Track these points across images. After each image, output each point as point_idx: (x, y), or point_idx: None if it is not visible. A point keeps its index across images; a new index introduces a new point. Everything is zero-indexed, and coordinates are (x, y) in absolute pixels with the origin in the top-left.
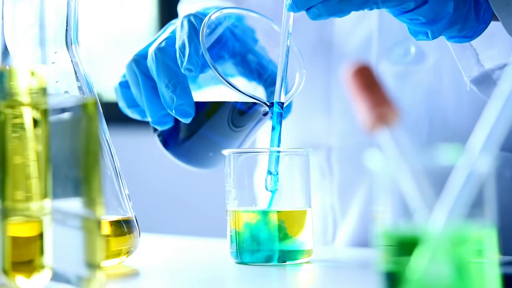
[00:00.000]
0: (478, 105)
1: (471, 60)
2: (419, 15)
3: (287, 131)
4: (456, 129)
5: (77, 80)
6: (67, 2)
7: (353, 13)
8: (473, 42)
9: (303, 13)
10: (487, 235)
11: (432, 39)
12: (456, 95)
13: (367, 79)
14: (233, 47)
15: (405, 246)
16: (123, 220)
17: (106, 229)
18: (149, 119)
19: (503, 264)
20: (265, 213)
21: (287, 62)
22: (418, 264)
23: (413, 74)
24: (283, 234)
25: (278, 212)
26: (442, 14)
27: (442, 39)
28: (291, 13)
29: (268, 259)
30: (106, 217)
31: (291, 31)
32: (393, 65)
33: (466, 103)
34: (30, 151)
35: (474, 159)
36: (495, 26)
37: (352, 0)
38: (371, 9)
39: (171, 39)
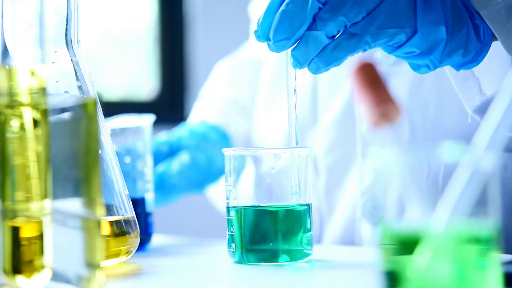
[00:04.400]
0: (458, 105)
1: (473, 89)
2: (412, 47)
3: (273, 138)
4: (436, 129)
5: (77, 79)
6: (67, 2)
7: None
8: (475, 70)
9: None
10: (489, 234)
11: (434, 69)
12: (437, 95)
13: (370, 76)
14: None
15: (406, 245)
16: (123, 220)
17: (106, 229)
18: None
19: (505, 263)
20: (269, 211)
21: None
22: (419, 263)
23: (396, 75)
24: (286, 232)
25: (282, 209)
26: (436, 41)
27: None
28: (295, 70)
29: (272, 258)
30: (106, 217)
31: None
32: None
33: (446, 103)
34: (30, 151)
35: (478, 158)
36: (496, 49)
37: (343, 46)
38: (364, 50)
39: None
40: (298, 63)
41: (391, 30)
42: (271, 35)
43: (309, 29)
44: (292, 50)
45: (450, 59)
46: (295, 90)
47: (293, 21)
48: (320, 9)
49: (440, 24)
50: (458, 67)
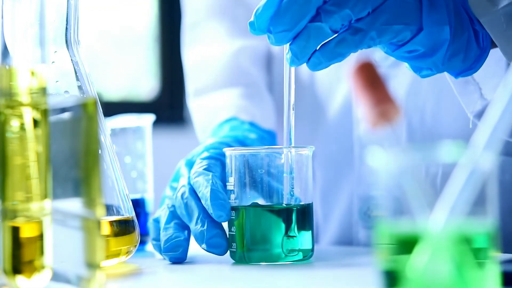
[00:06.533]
0: (456, 107)
1: (474, 95)
2: (416, 44)
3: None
4: (434, 131)
5: (77, 79)
6: (67, 1)
7: None
8: (475, 75)
9: None
10: (487, 233)
11: (437, 73)
12: (435, 97)
13: (369, 76)
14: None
15: (405, 244)
16: (123, 220)
17: (106, 229)
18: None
19: (504, 262)
20: (269, 211)
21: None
22: (418, 262)
23: (393, 77)
24: (287, 232)
25: (282, 209)
26: (439, 41)
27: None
28: (293, 68)
29: (272, 258)
30: (106, 217)
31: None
32: None
33: (444, 106)
34: (30, 151)
35: (477, 157)
36: (497, 55)
37: (348, 41)
38: (369, 46)
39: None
40: (296, 58)
41: (396, 27)
42: (271, 26)
43: (311, 21)
44: (291, 44)
45: (450, 63)
46: (289, 102)
47: (295, 12)
48: (325, 2)
49: (444, 24)
50: (456, 74)
